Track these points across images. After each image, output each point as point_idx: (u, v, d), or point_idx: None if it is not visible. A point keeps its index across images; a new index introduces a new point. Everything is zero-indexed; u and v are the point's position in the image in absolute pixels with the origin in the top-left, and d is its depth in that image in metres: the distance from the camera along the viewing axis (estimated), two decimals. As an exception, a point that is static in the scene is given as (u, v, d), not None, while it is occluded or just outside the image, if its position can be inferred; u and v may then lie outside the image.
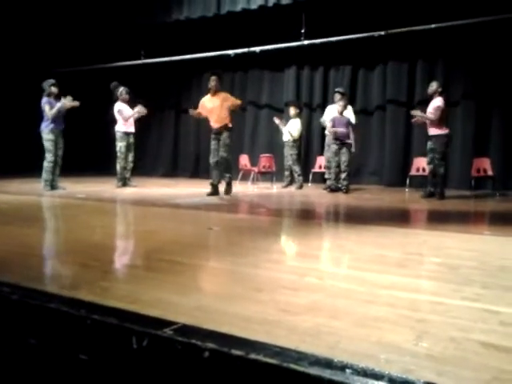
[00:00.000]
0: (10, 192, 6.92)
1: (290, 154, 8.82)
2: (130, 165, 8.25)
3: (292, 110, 9.04)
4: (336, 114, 7.99)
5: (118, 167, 8.05)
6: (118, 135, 8.05)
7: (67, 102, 7.14)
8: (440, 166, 6.76)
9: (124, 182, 8.12)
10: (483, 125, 8.55)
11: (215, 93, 6.63)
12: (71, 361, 1.63)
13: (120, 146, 8.02)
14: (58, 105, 7.07)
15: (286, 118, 9.26)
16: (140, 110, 8.21)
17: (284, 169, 9.13)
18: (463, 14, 7.85)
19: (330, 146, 8.07)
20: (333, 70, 10.08)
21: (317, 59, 10.04)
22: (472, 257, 2.84)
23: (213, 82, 6.63)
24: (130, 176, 8.34)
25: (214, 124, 6.65)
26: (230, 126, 6.71)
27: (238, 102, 6.92)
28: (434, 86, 6.94)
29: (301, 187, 8.54)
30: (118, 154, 8.05)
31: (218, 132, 6.62)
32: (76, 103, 7.22)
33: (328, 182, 8.07)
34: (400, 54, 9.21)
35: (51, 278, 2.32)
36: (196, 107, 6.99)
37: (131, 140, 8.18)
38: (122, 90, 8.22)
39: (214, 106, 6.60)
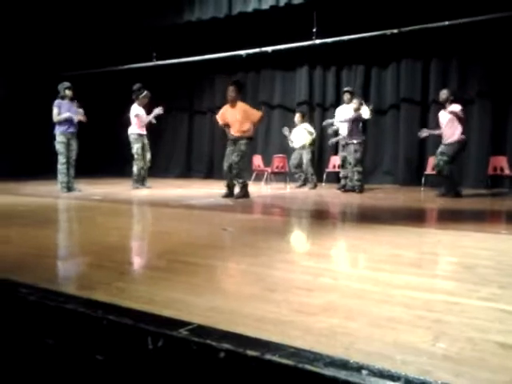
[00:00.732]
0: (26, 194, 7.03)
1: (305, 154, 8.83)
2: (148, 164, 8.33)
3: (298, 117, 9.08)
4: (349, 113, 7.94)
5: (135, 169, 8.12)
6: (133, 137, 8.13)
7: (79, 115, 7.33)
8: (445, 167, 6.69)
9: (142, 183, 8.20)
10: (500, 123, 8.44)
11: (233, 104, 6.49)
12: (88, 361, 1.65)
13: (136, 147, 8.10)
14: (66, 115, 7.18)
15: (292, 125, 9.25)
16: (158, 111, 8.22)
17: (292, 171, 9.16)
18: (477, 10, 7.75)
19: (345, 145, 8.05)
20: (345, 70, 10.04)
21: (329, 58, 10.01)
22: (488, 256, 2.80)
23: (231, 92, 6.45)
24: (146, 176, 8.41)
25: (234, 133, 6.50)
26: (251, 136, 6.61)
27: (259, 115, 6.66)
28: (445, 93, 6.81)
29: (315, 187, 8.55)
30: (136, 156, 8.11)
31: (237, 139, 6.49)
32: (83, 118, 7.39)
33: (342, 182, 8.05)
34: (414, 52, 9.14)
35: (68, 279, 2.35)
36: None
37: (145, 141, 8.27)
38: (145, 93, 8.29)
39: (233, 119, 6.47)
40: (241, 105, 6.57)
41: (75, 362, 1.69)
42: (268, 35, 9.84)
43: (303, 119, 9.12)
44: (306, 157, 8.82)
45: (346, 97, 8.36)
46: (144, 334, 1.51)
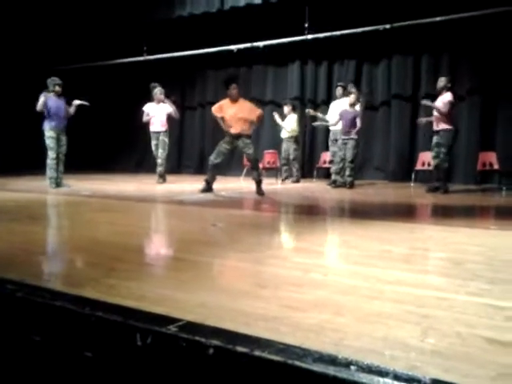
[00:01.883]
0: (15, 190, 6.96)
1: (293, 149, 8.88)
2: (159, 161, 8.51)
3: (286, 109, 9.07)
4: (343, 107, 7.94)
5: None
6: (150, 135, 8.49)
7: (73, 107, 7.28)
8: (445, 160, 6.76)
9: (164, 178, 8.50)
10: (489, 118, 8.49)
11: (235, 100, 6.41)
12: (76, 358, 1.63)
13: (152, 144, 8.48)
14: (42, 99, 7.03)
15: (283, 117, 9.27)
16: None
17: (281, 163, 9.23)
18: (469, 6, 7.78)
19: (337, 140, 8.05)
20: (337, 65, 10.04)
21: (321, 54, 10.00)
22: (478, 252, 2.82)
23: (233, 90, 6.34)
24: (162, 173, 8.55)
25: (234, 130, 6.35)
26: (250, 134, 6.52)
27: (258, 112, 6.52)
28: (442, 81, 6.89)
29: (298, 181, 8.80)
30: (154, 153, 8.50)
31: (236, 137, 6.37)
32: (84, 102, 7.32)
33: (333, 177, 8.07)
34: (405, 47, 9.16)
35: (56, 275, 2.32)
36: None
37: (161, 138, 8.43)
38: (156, 90, 8.44)
39: (233, 114, 6.34)
40: (242, 101, 6.47)
41: (63, 359, 1.68)
42: (260, 30, 9.81)
43: (293, 111, 9.12)
44: (292, 150, 8.89)
45: (338, 92, 8.36)
46: (133, 331, 1.50)
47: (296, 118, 9.07)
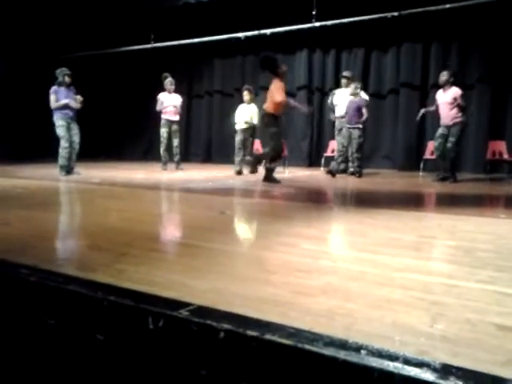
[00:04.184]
0: (26, 177, 7.02)
1: (250, 142, 8.24)
2: (176, 150, 8.78)
3: (247, 96, 8.20)
4: (347, 97, 7.89)
5: (161, 151, 8.70)
6: (161, 122, 8.70)
7: (77, 102, 7.25)
8: (454, 150, 6.75)
9: (177, 164, 8.75)
10: (499, 107, 8.40)
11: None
12: (88, 341, 1.66)
13: (162, 131, 8.68)
14: (65, 101, 7.12)
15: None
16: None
17: (235, 154, 8.22)
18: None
19: (341, 129, 7.99)
20: (345, 53, 9.94)
21: (329, 42, 9.90)
22: (487, 240, 2.81)
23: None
24: (179, 160, 8.83)
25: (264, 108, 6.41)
26: (273, 112, 6.29)
27: (277, 100, 6.28)
28: (445, 75, 6.82)
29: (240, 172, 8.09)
30: (161, 139, 8.69)
31: (263, 115, 6.50)
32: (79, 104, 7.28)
33: (331, 164, 7.91)
34: (414, 35, 9.04)
35: (68, 260, 2.35)
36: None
37: (174, 127, 8.72)
38: (166, 81, 8.70)
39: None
40: (274, 81, 6.42)
41: (76, 342, 1.71)
42: (267, 17, 9.72)
43: (251, 98, 8.23)
44: (249, 143, 8.18)
45: (343, 81, 8.29)
46: (145, 315, 1.52)
47: (255, 112, 8.09)
